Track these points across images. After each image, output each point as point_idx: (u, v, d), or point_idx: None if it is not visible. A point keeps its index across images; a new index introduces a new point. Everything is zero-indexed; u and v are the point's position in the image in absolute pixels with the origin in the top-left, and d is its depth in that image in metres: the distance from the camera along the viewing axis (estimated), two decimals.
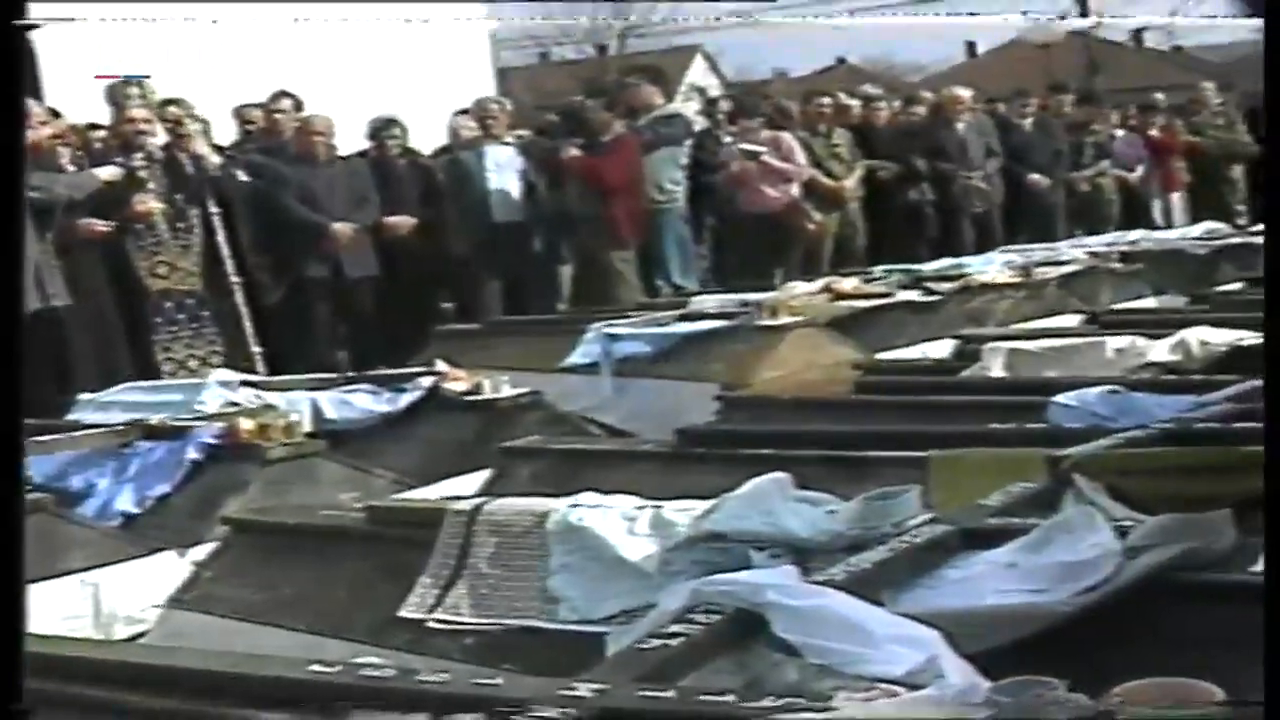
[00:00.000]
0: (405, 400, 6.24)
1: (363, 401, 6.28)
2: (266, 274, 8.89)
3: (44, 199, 7.44)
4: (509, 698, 2.28)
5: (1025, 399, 4.77)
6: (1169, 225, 12.97)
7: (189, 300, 8.43)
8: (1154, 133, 13.98)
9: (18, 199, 2.05)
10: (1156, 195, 13.92)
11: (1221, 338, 5.60)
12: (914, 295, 7.95)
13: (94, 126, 9.19)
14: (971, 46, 45.78)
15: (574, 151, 9.96)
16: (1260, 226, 9.73)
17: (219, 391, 6.45)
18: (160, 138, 8.56)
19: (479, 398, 6.20)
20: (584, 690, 2.28)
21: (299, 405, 6.15)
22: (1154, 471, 3.47)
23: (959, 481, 3.63)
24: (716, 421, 5.44)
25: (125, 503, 5.36)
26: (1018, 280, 8.25)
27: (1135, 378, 5.12)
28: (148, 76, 8.88)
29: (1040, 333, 6.67)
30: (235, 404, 6.29)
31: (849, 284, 8.23)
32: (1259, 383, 4.38)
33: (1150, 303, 8.25)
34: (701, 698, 2.25)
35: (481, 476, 4.97)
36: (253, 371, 7.76)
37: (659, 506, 3.46)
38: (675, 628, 2.57)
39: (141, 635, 4.30)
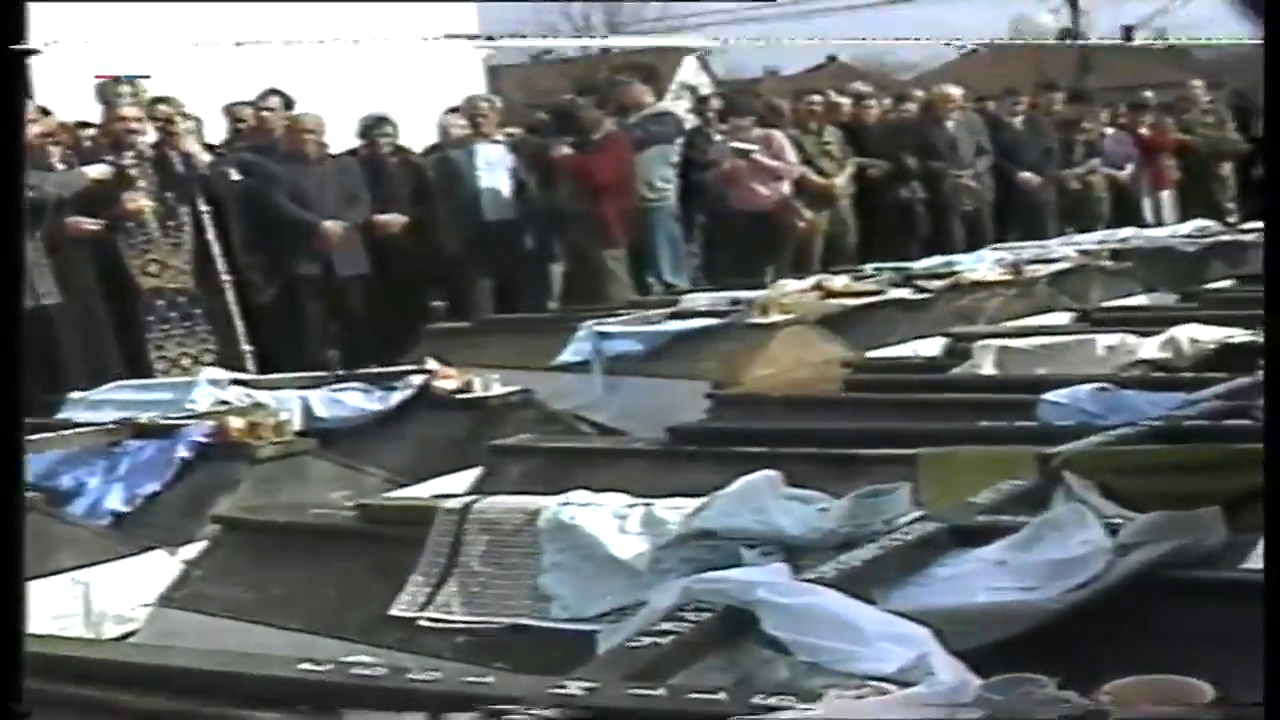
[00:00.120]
0: (396, 398, 6.24)
1: (353, 400, 6.27)
2: (257, 272, 8.88)
3: (34, 197, 7.42)
4: (500, 696, 2.28)
5: (1015, 397, 4.78)
6: (1159, 223, 12.98)
7: (180, 298, 8.43)
8: (1144, 130, 13.99)
9: (18, 201, 2.06)
10: (1147, 193, 13.93)
11: (1211, 335, 5.60)
12: (904, 293, 7.96)
13: (84, 125, 9.18)
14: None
15: (565, 150, 9.96)
16: (1250, 225, 9.76)
17: (209, 390, 6.44)
18: (150, 136, 8.56)
19: (470, 396, 6.20)
20: (575, 688, 2.28)
21: (289, 403, 6.14)
22: (1144, 469, 3.48)
23: (949, 479, 3.63)
24: (707, 419, 5.44)
25: (115, 501, 5.36)
26: (1008, 278, 8.25)
27: (1125, 375, 5.12)
28: (147, 76, 8.88)
29: (1031, 330, 6.68)
30: (225, 402, 6.28)
31: (840, 282, 8.23)
32: (1249, 380, 4.40)
33: (1140, 300, 8.25)
34: (692, 696, 2.25)
35: (472, 475, 4.96)
36: (243, 370, 7.76)
37: (650, 504, 3.46)
38: (666, 626, 2.57)
39: (132, 634, 4.30)
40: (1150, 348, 5.62)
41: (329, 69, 12.93)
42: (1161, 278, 8.66)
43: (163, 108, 8.81)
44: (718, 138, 11.18)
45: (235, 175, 8.98)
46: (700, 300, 8.11)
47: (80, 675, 2.69)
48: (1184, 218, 12.33)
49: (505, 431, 5.49)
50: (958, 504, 3.34)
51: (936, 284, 8.13)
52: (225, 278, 8.54)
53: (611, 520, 3.43)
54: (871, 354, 6.66)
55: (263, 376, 7.28)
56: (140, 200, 8.29)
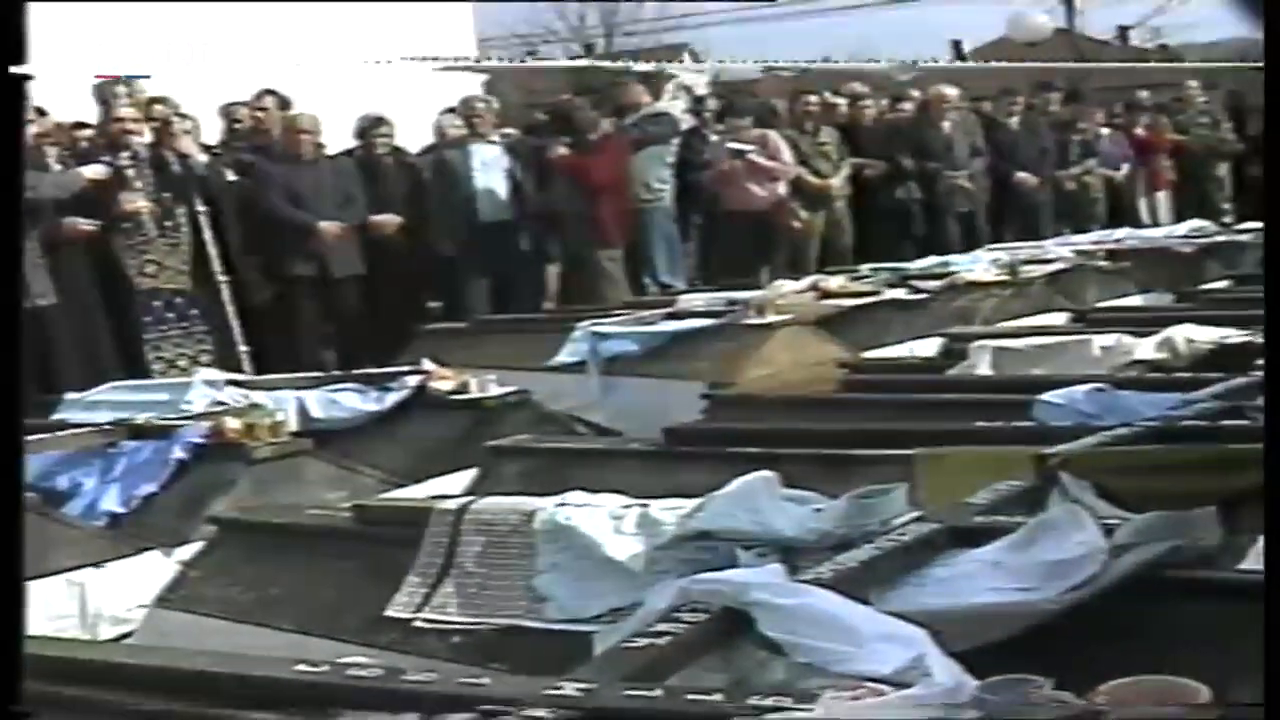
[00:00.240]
0: (392, 399, 6.24)
1: (350, 400, 6.27)
2: (253, 273, 8.88)
3: (31, 198, 7.41)
4: (496, 697, 2.28)
5: (1012, 397, 4.78)
6: (1155, 223, 12.99)
7: (177, 299, 8.42)
8: (1140, 131, 14.00)
9: (17, 202, 2.08)
10: (1142, 193, 13.94)
11: (1207, 335, 5.61)
12: (901, 294, 7.97)
13: (81, 125, 9.17)
14: (958, 45, 45.72)
15: (561, 150, 9.96)
16: (1246, 225, 9.77)
17: (205, 391, 6.44)
18: (147, 136, 8.55)
19: (466, 396, 6.21)
20: (571, 689, 2.28)
21: (285, 404, 6.14)
22: (1140, 469, 3.48)
23: (946, 480, 3.63)
24: (704, 420, 5.45)
25: (111, 502, 5.36)
26: (1004, 278, 8.26)
27: (1121, 376, 5.13)
28: (148, 76, 8.87)
29: (1027, 331, 6.69)
30: (222, 403, 6.28)
31: (836, 282, 8.24)
32: (1245, 380, 4.40)
33: (1136, 301, 8.26)
34: (688, 697, 2.25)
35: (468, 475, 4.97)
36: (240, 370, 7.76)
37: (646, 505, 3.46)
38: (662, 626, 2.57)
39: (128, 635, 4.30)
40: (1146, 348, 5.62)
41: (325, 70, 12.90)
42: (1157, 278, 8.67)
43: (159, 108, 8.80)
44: (714, 138, 11.17)
45: (231, 176, 8.97)
46: (696, 301, 8.11)
47: (76, 676, 2.69)
48: (1180, 218, 12.34)
49: (501, 432, 5.49)
50: (954, 505, 3.34)
51: (933, 284, 8.14)
52: (221, 278, 8.53)
53: (608, 521, 3.43)
54: (868, 355, 6.67)
55: (259, 377, 7.29)
56: (137, 201, 8.28)
